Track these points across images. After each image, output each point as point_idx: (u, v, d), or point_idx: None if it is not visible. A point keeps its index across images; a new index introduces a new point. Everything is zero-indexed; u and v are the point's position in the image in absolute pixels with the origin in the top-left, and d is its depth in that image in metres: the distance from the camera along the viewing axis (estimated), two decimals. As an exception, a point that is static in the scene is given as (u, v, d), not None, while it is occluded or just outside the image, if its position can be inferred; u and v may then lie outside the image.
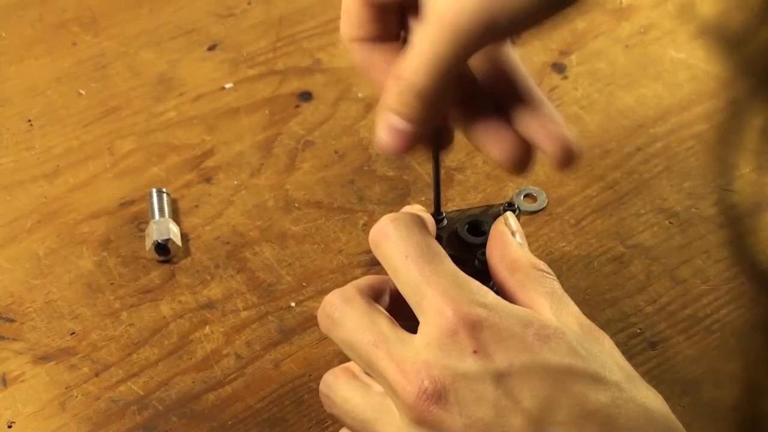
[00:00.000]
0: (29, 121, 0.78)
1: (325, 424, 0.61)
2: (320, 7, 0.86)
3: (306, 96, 0.80)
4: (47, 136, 0.77)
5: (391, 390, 0.50)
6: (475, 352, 0.48)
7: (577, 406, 0.48)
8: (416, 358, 0.49)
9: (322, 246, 0.70)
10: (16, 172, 0.75)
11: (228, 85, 0.80)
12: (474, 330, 0.49)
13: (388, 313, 0.53)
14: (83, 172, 0.75)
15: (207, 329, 0.66)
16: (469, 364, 0.48)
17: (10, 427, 0.61)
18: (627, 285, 0.67)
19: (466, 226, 0.62)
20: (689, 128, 0.77)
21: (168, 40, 0.84)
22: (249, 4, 0.87)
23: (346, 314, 0.53)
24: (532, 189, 0.73)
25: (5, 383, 0.63)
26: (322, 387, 0.55)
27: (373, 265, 0.68)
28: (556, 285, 0.54)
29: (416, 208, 0.58)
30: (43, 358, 0.64)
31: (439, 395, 0.48)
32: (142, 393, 0.63)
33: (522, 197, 0.72)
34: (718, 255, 0.69)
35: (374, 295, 0.54)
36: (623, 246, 0.69)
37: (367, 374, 0.53)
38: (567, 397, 0.48)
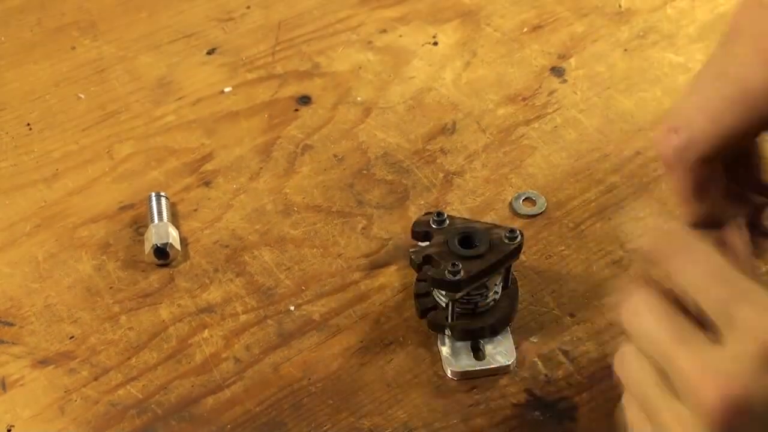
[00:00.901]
0: (28, 125, 0.78)
1: (324, 428, 0.61)
2: (319, 12, 0.86)
3: (305, 100, 0.80)
4: (46, 140, 0.77)
5: (688, 390, 0.49)
6: None
7: None
8: (722, 367, 0.49)
9: (321, 250, 0.70)
10: (15, 176, 0.75)
11: (227, 89, 0.80)
12: None
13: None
14: (82, 176, 0.75)
15: (206, 333, 0.66)
16: None
17: (9, 431, 0.61)
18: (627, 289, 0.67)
19: (459, 238, 0.62)
20: (688, 132, 0.77)
21: (167, 44, 0.84)
22: (248, 8, 0.87)
23: (650, 307, 0.52)
24: (531, 193, 0.73)
25: (4, 387, 0.63)
26: (617, 355, 0.54)
27: (372, 268, 0.68)
28: None
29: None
30: (42, 362, 0.64)
31: (743, 411, 0.48)
32: (141, 397, 0.63)
33: (521, 201, 0.72)
34: (717, 258, 0.69)
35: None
36: (622, 250, 0.69)
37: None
38: None
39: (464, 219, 0.65)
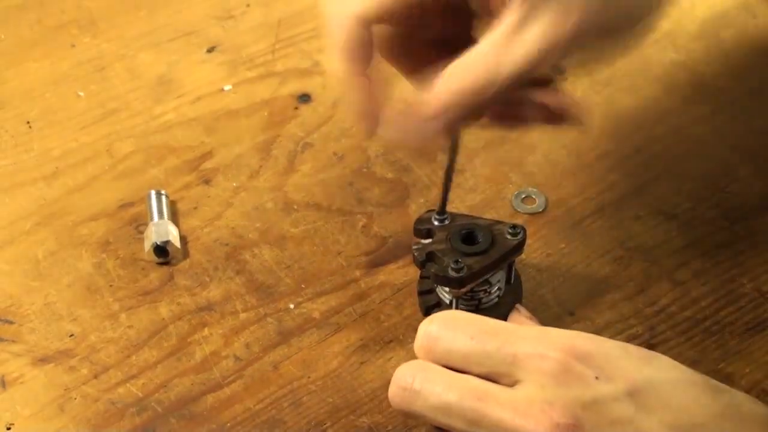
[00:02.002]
0: (28, 122, 0.78)
1: (324, 426, 0.61)
2: (319, 9, 0.86)
3: (305, 98, 0.80)
4: (46, 138, 0.77)
5: None
6: (596, 378, 0.49)
7: (705, 409, 0.50)
8: (533, 401, 0.50)
9: (321, 248, 0.70)
10: (14, 174, 0.75)
11: (227, 87, 0.80)
12: (586, 359, 0.50)
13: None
14: (82, 174, 0.74)
15: (206, 331, 0.66)
16: (597, 389, 0.49)
17: (9, 429, 0.61)
18: (626, 287, 0.67)
19: (461, 234, 0.62)
20: (688, 130, 0.77)
21: (167, 42, 0.84)
22: (248, 6, 0.87)
23: (429, 379, 0.53)
24: (531, 191, 0.73)
25: (4, 385, 0.63)
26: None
27: (372, 267, 0.68)
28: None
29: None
30: (42, 360, 0.64)
31: (574, 425, 0.49)
32: (140, 395, 0.63)
33: (521, 199, 0.72)
34: (717, 257, 0.69)
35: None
36: (622, 248, 0.69)
37: None
38: (693, 402, 0.50)
39: (466, 215, 0.65)
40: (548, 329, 0.54)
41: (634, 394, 0.50)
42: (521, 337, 0.52)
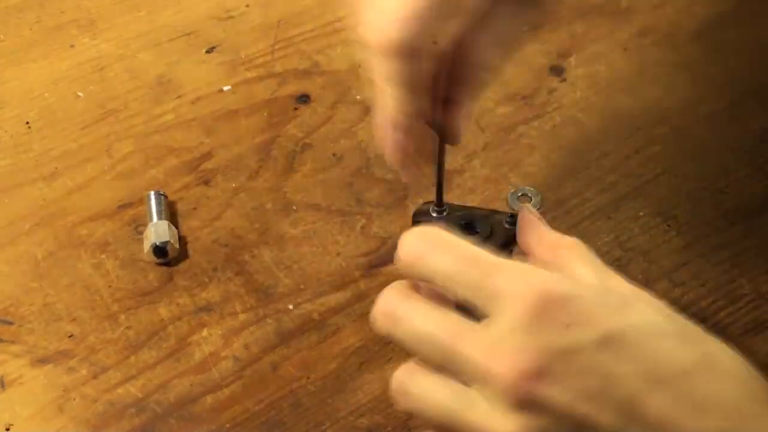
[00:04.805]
0: (27, 123, 0.78)
1: (323, 427, 0.61)
2: (318, 10, 0.86)
3: (304, 99, 0.79)
4: (45, 139, 0.77)
5: (481, 377, 0.49)
6: (568, 326, 0.49)
7: (676, 362, 0.49)
8: (503, 343, 0.49)
9: (321, 249, 0.70)
10: (14, 174, 0.75)
11: (226, 88, 0.80)
12: (561, 305, 0.49)
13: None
14: (81, 174, 0.74)
15: (205, 332, 0.66)
16: (567, 338, 0.48)
17: (8, 429, 0.61)
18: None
19: (460, 225, 0.62)
20: (688, 131, 0.77)
21: (166, 43, 0.84)
22: (247, 6, 0.87)
23: (410, 308, 0.52)
24: (528, 189, 0.72)
25: (3, 386, 0.63)
26: (394, 384, 0.53)
27: (372, 267, 0.68)
28: (598, 259, 0.55)
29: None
30: (41, 361, 0.64)
31: (539, 373, 0.48)
32: (140, 395, 0.63)
33: (517, 197, 0.72)
34: (716, 257, 0.69)
35: None
36: (621, 249, 0.69)
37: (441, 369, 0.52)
38: (665, 354, 0.49)
39: (464, 206, 0.65)
40: (531, 266, 0.53)
41: (606, 342, 0.49)
42: (501, 271, 0.51)
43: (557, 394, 0.48)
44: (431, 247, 0.53)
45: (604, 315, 0.50)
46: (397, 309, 0.52)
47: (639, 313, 0.50)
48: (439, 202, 0.64)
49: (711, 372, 0.49)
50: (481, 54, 0.58)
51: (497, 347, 0.49)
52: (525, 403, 0.48)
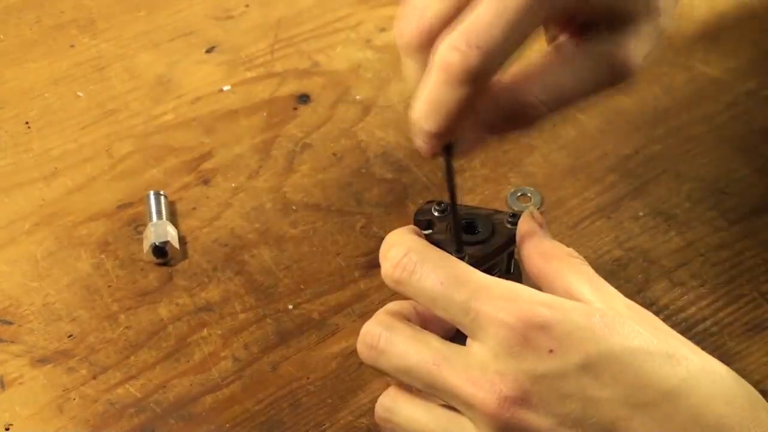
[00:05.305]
0: (27, 123, 0.78)
1: (323, 427, 0.61)
2: (318, 10, 0.86)
3: (304, 98, 0.80)
4: (45, 139, 0.77)
5: (465, 405, 0.50)
6: (551, 351, 0.49)
7: (659, 384, 0.49)
8: (486, 369, 0.49)
9: (320, 249, 0.70)
10: (14, 174, 0.75)
11: (226, 88, 0.80)
12: (544, 330, 0.49)
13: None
14: (81, 174, 0.74)
15: (205, 332, 0.66)
16: (549, 363, 0.49)
17: (7, 429, 0.61)
18: (625, 287, 0.67)
19: (463, 223, 0.62)
20: (687, 130, 0.77)
21: (166, 42, 0.84)
22: (247, 6, 0.87)
23: (392, 340, 0.53)
24: (527, 189, 0.73)
25: (3, 386, 0.63)
26: (379, 411, 0.54)
27: (371, 267, 0.68)
28: (591, 270, 0.55)
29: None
30: (40, 361, 0.64)
31: (522, 398, 0.49)
32: (139, 395, 0.63)
33: (517, 197, 0.72)
34: (716, 257, 0.69)
35: (406, 319, 0.55)
36: (621, 249, 0.69)
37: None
38: (647, 377, 0.49)
39: (465, 206, 0.65)
40: (518, 288, 0.52)
41: (587, 368, 0.49)
42: (487, 295, 0.51)
43: (540, 419, 0.49)
44: (419, 264, 0.53)
45: (588, 338, 0.50)
46: (379, 341, 0.53)
47: (623, 334, 0.50)
48: (440, 201, 0.64)
49: (695, 393, 0.49)
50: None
51: (480, 373, 0.50)
52: (508, 428, 0.49)
